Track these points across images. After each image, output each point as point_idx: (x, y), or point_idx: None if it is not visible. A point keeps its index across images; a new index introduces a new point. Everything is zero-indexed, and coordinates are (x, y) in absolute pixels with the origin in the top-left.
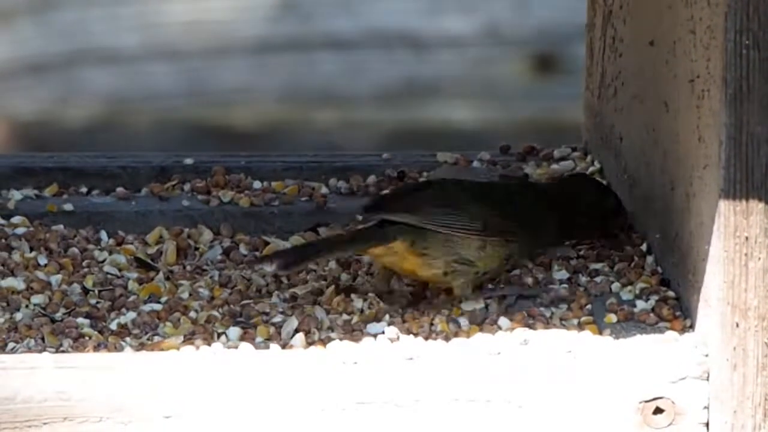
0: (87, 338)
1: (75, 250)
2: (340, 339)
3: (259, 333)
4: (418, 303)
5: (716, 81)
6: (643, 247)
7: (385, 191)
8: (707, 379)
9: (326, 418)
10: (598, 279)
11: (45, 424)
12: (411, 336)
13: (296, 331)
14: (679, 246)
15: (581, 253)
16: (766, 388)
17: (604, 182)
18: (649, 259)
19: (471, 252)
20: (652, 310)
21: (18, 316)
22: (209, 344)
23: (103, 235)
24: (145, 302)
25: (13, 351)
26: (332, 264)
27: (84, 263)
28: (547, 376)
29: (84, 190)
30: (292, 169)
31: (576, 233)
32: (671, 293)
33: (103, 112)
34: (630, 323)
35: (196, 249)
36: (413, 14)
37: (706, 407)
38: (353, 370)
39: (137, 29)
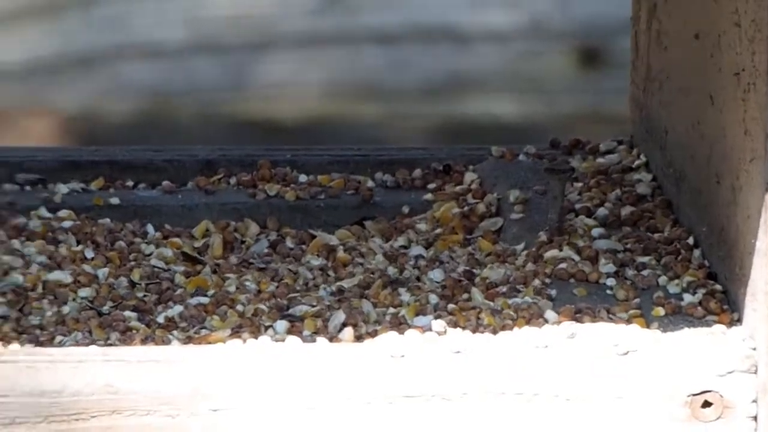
0: (134, 331)
1: (122, 243)
2: (387, 332)
3: (306, 326)
4: None
5: (761, 74)
6: (690, 240)
7: None
8: (755, 373)
9: (373, 411)
10: (645, 272)
11: (93, 417)
12: (458, 329)
13: (344, 324)
14: (725, 239)
15: (628, 246)
16: None
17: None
18: (696, 252)
19: None
20: (700, 303)
21: (65, 309)
22: (256, 337)
23: (150, 228)
24: (192, 296)
25: (60, 344)
26: (379, 257)
27: (131, 257)
28: (594, 370)
29: (130, 183)
30: (337, 162)
31: None
32: (718, 286)
33: (148, 106)
34: (677, 316)
35: (243, 242)
36: (457, 8)
37: (755, 401)
38: (400, 364)
39: (182, 23)
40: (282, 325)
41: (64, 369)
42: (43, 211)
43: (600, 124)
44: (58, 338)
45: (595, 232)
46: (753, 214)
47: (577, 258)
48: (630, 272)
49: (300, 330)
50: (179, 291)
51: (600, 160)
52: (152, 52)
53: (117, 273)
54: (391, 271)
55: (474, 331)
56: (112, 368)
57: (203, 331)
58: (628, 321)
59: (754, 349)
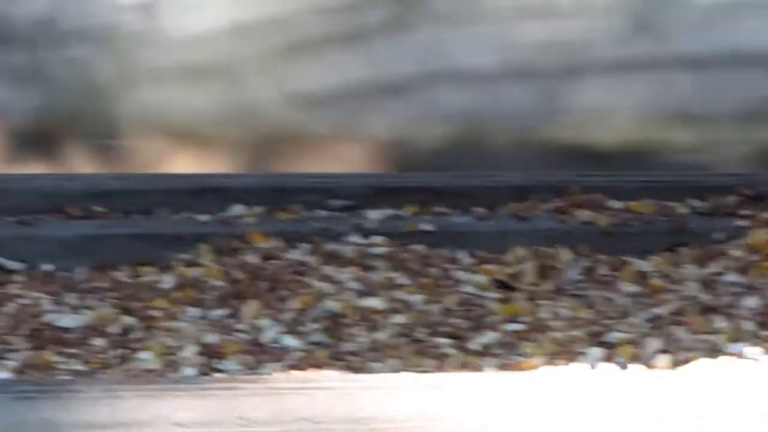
0: (449, 358)
1: (435, 270)
2: (702, 359)
3: (621, 353)
4: None
5: None
6: None
7: None
8: None
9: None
10: None
11: None
12: None
13: (659, 351)
14: None
15: None
16: None
17: None
18: None
19: None
20: None
21: (379, 335)
22: (570, 364)
23: (463, 254)
24: (506, 322)
25: (374, 371)
26: (693, 284)
27: (444, 283)
28: None
29: (443, 209)
30: (649, 188)
31: None
32: None
33: (460, 132)
34: None
35: (556, 269)
36: (767, 32)
37: None
38: (715, 390)
39: (493, 48)
40: (597, 351)
41: (378, 395)
42: (356, 237)
43: None
44: (372, 365)
45: None
46: None
47: None
48: None
49: (614, 356)
50: (493, 318)
51: None
52: (464, 78)
53: (430, 299)
54: (706, 297)
55: None
56: (426, 394)
57: (517, 358)
58: None
59: None
